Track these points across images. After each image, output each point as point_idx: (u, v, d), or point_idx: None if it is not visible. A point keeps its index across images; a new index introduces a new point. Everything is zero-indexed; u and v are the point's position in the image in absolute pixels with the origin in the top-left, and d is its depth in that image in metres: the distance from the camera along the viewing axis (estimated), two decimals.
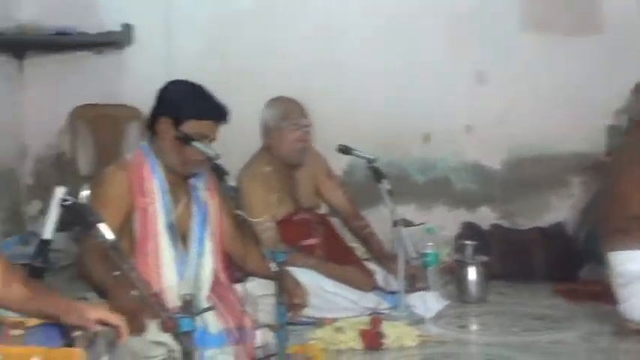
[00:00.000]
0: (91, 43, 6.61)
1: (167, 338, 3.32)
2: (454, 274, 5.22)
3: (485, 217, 6.28)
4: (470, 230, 5.95)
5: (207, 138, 3.87)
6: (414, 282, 4.93)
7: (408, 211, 5.81)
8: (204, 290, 3.92)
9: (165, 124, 3.88)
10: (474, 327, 4.76)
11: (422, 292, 4.91)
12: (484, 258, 5.20)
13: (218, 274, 4.01)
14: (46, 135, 6.76)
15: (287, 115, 4.93)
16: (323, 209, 5.25)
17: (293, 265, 4.31)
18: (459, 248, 5.45)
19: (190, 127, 3.84)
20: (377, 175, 4.79)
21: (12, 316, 2.74)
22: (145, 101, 4.10)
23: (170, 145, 3.87)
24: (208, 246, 3.98)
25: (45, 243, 2.61)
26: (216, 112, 3.91)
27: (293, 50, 6.32)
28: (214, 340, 3.76)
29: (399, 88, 6.26)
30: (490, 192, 6.36)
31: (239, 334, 3.79)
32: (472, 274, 5.11)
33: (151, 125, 3.96)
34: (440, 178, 6.42)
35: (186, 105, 3.88)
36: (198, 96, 3.94)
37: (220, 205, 4.08)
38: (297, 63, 6.27)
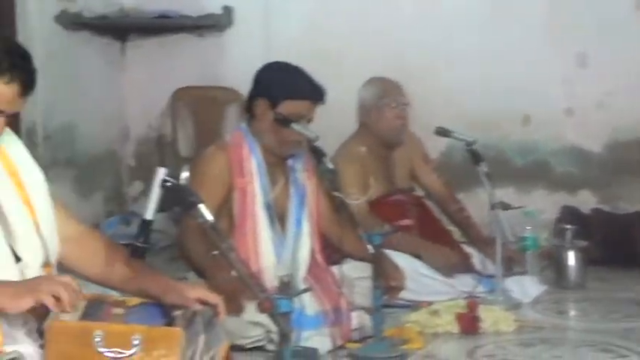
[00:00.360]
0: (191, 26, 6.68)
1: (264, 319, 3.36)
2: (553, 258, 5.16)
3: (586, 200, 6.18)
4: (569, 214, 5.85)
5: (304, 118, 3.89)
6: (512, 266, 4.88)
7: (506, 194, 5.74)
8: (302, 271, 3.95)
9: (262, 106, 3.92)
10: (572, 313, 4.70)
11: (519, 277, 4.86)
12: (584, 243, 5.12)
13: (315, 255, 4.04)
14: (147, 117, 6.87)
15: (385, 93, 4.92)
16: (419, 191, 5.24)
17: (390, 246, 4.30)
18: (558, 232, 5.37)
19: (287, 107, 3.87)
20: (475, 157, 4.74)
21: (114, 295, 2.80)
22: (244, 83, 4.14)
23: (268, 127, 3.91)
24: (306, 227, 4.01)
25: (146, 223, 2.65)
26: (312, 92, 3.93)
27: (390, 32, 6.28)
28: (311, 321, 3.79)
29: (497, 69, 6.18)
30: (590, 175, 6.26)
31: (335, 316, 3.81)
32: (571, 259, 5.04)
33: (248, 107, 4.00)
34: (539, 161, 6.34)
35: (282, 85, 3.91)
36: (294, 76, 3.96)
37: (317, 186, 4.10)
38: (393, 44, 6.24)
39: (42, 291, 2.39)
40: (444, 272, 4.66)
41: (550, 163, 6.32)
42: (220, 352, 2.43)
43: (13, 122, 2.65)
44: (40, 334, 2.51)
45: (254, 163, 3.93)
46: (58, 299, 2.37)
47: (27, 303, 2.37)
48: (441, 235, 5.00)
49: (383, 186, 4.91)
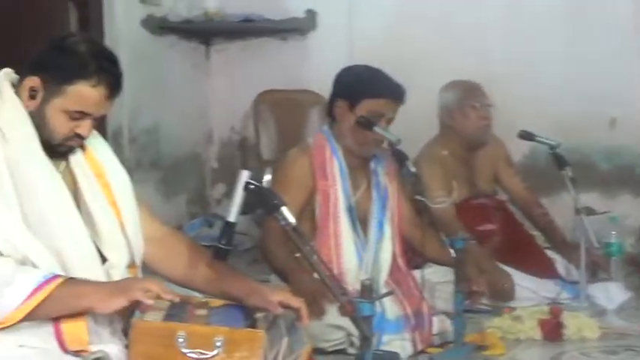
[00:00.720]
0: (274, 30, 6.72)
1: (346, 322, 3.36)
2: (638, 264, 5.07)
3: None
4: None
5: (384, 117, 3.89)
6: (596, 272, 4.81)
7: (590, 199, 5.67)
8: (383, 275, 3.94)
9: (341, 108, 3.93)
10: None
11: (604, 283, 4.78)
12: None
13: (396, 259, 4.02)
14: (230, 120, 6.93)
15: (468, 94, 4.87)
16: (502, 195, 5.19)
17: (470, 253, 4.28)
18: None
19: (366, 106, 3.87)
20: (559, 161, 4.67)
21: (197, 297, 2.83)
22: (326, 86, 4.15)
23: (349, 129, 3.91)
24: (387, 231, 4.00)
25: (230, 225, 2.67)
26: (391, 90, 3.92)
27: (472, 35, 6.24)
28: (391, 325, 3.77)
29: (582, 71, 6.10)
30: None
31: (416, 321, 3.79)
32: None
33: (329, 110, 4.02)
34: (625, 165, 6.24)
35: (361, 85, 3.92)
36: (372, 76, 3.97)
37: (399, 189, 4.09)
38: (476, 48, 6.20)
39: (134, 289, 2.43)
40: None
41: (636, 168, 6.22)
42: (303, 355, 2.43)
43: (100, 125, 2.70)
44: (125, 334, 2.55)
45: (336, 166, 3.94)
46: (150, 295, 2.41)
47: (119, 303, 2.42)
48: (524, 241, 4.95)
49: (466, 189, 4.86)
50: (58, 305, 2.41)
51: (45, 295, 2.38)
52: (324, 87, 4.25)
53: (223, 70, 6.90)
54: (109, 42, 5.47)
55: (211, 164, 7.10)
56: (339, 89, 3.99)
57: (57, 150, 2.62)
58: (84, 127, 2.59)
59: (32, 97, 2.57)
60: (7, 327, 2.41)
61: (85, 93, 2.55)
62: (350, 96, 3.91)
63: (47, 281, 2.40)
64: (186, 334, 2.39)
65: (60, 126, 2.57)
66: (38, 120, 2.56)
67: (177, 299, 2.48)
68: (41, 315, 2.41)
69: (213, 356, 2.38)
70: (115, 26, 5.96)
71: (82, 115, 2.57)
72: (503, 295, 4.40)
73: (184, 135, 6.76)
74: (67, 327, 2.44)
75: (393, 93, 3.93)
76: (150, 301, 2.41)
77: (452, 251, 3.69)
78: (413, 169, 3.79)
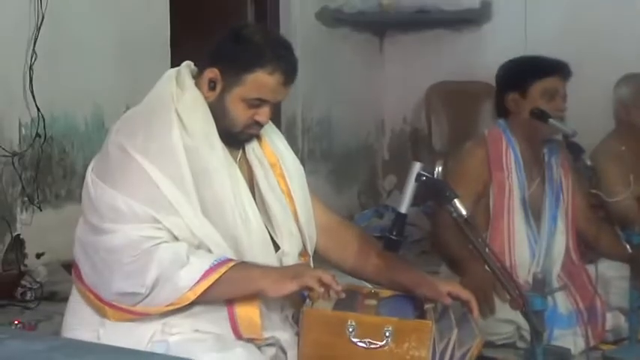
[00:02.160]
0: (449, 21, 6.69)
1: (516, 316, 3.33)
2: None
3: None
4: None
5: (559, 94, 3.84)
6: None
7: None
8: (556, 269, 3.88)
9: (513, 100, 3.90)
10: None
11: None
12: None
13: (570, 253, 3.96)
14: (402, 111, 6.94)
15: None
16: None
17: None
18: None
19: (537, 89, 3.84)
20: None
21: (367, 286, 2.85)
22: None
23: (524, 121, 3.88)
24: (560, 225, 3.94)
25: (401, 217, 2.68)
26: (555, 66, 3.89)
27: None
28: (563, 320, 3.72)
29: None
30: None
31: (589, 316, 3.72)
32: None
33: (500, 104, 3.99)
34: None
35: (526, 70, 3.91)
36: (533, 59, 4.00)
37: (574, 183, 4.02)
38: None
39: (305, 275, 2.47)
40: None
41: None
42: (474, 347, 2.42)
43: (274, 114, 2.75)
44: (296, 321, 2.59)
45: (512, 158, 3.91)
46: (321, 284, 2.44)
47: (290, 288, 2.46)
48: None
49: None
50: (229, 287, 2.47)
51: (217, 277, 2.44)
52: None
53: (396, 62, 6.92)
54: (283, 33, 5.56)
55: (383, 155, 7.13)
56: (507, 82, 3.97)
57: (237, 138, 2.69)
58: (262, 114, 2.65)
59: (212, 88, 2.64)
60: (184, 312, 2.49)
61: (262, 80, 2.60)
62: (519, 85, 3.89)
63: (220, 264, 2.46)
64: (355, 324, 2.42)
65: (240, 114, 2.63)
66: (218, 110, 2.63)
67: (343, 295, 2.49)
68: (213, 296, 2.47)
69: (381, 346, 2.39)
70: (290, 18, 6.06)
71: (260, 102, 2.63)
72: None
73: (356, 126, 6.81)
74: (241, 312, 2.50)
75: (559, 69, 3.89)
76: (321, 289, 2.44)
77: (628, 246, 3.61)
78: (589, 163, 3.72)
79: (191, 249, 2.48)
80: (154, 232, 2.47)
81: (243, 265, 2.51)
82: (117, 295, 2.49)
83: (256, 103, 2.62)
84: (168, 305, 2.46)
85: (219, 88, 2.63)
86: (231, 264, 2.47)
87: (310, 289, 2.44)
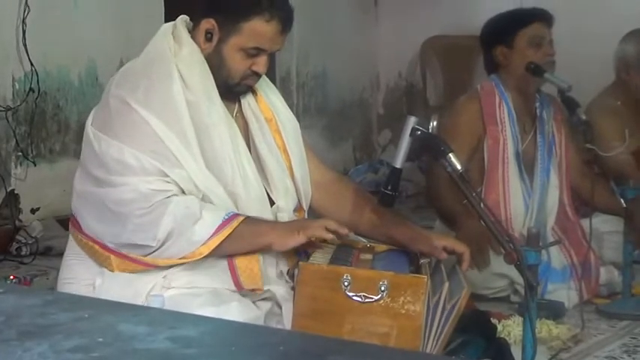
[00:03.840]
0: None
1: (510, 270, 3.34)
2: None
3: None
4: None
5: (545, 39, 3.86)
6: None
7: None
8: (550, 222, 3.89)
9: (502, 54, 3.92)
10: None
11: None
12: None
13: (564, 207, 3.97)
14: (397, 66, 6.92)
15: None
16: None
17: None
18: None
19: (522, 38, 3.87)
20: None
21: (362, 241, 2.85)
22: None
23: (515, 74, 3.88)
24: (554, 178, 3.95)
25: (396, 171, 2.67)
26: (537, 14, 3.93)
27: None
28: (557, 274, 3.74)
29: None
30: None
31: (583, 270, 3.73)
32: None
33: (490, 59, 4.00)
34: None
35: (508, 22, 3.95)
36: (514, 11, 4.07)
37: (567, 137, 4.02)
38: None
39: (312, 227, 2.49)
40: None
41: None
42: (462, 299, 2.43)
43: (269, 70, 2.74)
44: (291, 276, 2.60)
45: (505, 112, 3.91)
46: (328, 231, 2.48)
47: (298, 240, 2.49)
48: None
49: (637, 140, 4.71)
50: (240, 242, 2.49)
51: (230, 231, 2.46)
52: None
53: (391, 16, 6.88)
54: None
55: (377, 110, 7.12)
56: (492, 37, 4.01)
57: (234, 90, 2.68)
58: (260, 63, 2.64)
59: (208, 39, 2.63)
60: (185, 264, 2.49)
61: (259, 28, 2.59)
62: (504, 37, 3.91)
63: (230, 218, 2.48)
64: (351, 278, 2.42)
65: (237, 64, 2.63)
66: (216, 61, 2.63)
67: (348, 234, 2.50)
68: (225, 251, 2.49)
69: (377, 300, 2.40)
70: None
71: (257, 51, 2.62)
72: None
73: (351, 81, 6.80)
74: (241, 264, 2.51)
75: (540, 15, 3.93)
76: (329, 235, 2.47)
77: (622, 201, 3.61)
78: (584, 117, 3.72)
79: (202, 203, 2.50)
80: (163, 185, 2.48)
81: (251, 219, 2.53)
82: (126, 247, 2.50)
83: (254, 53, 2.61)
84: (181, 258, 2.48)
85: (215, 39, 2.62)
86: (240, 218, 2.49)
87: (316, 240, 2.47)
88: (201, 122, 2.56)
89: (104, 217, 2.53)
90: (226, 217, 2.48)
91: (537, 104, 3.97)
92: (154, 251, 2.47)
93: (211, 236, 2.46)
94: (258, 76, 2.67)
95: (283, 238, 2.50)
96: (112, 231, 2.52)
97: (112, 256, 2.52)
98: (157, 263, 2.49)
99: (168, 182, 2.48)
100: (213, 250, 2.47)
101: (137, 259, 2.50)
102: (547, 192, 3.93)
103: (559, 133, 4.01)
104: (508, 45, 3.90)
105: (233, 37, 2.61)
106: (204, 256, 2.47)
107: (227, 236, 2.46)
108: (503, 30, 3.94)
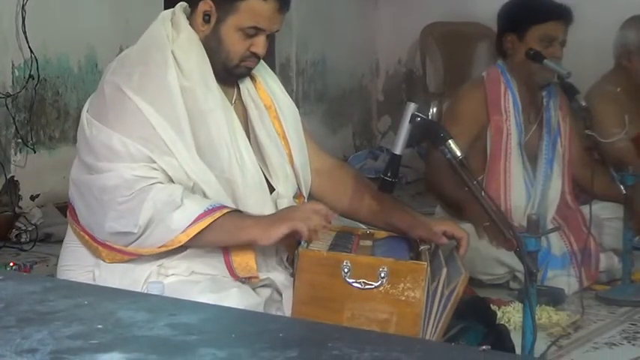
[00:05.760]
0: None
1: (509, 258, 3.35)
2: None
3: None
4: None
5: (556, 40, 3.82)
6: None
7: None
8: (551, 213, 3.89)
9: (511, 42, 3.88)
10: None
11: None
12: None
13: (565, 196, 3.97)
14: (396, 52, 6.91)
15: None
16: None
17: None
18: None
19: (534, 34, 3.81)
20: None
21: (362, 228, 2.85)
22: (495, 19, 4.08)
23: (520, 63, 3.86)
24: (556, 169, 3.94)
25: (396, 158, 2.67)
26: (555, 11, 3.85)
27: None
28: (557, 261, 3.74)
29: None
30: None
31: (582, 257, 3.74)
32: None
33: (499, 45, 3.97)
34: None
35: (524, 13, 3.87)
36: (534, 2, 3.93)
37: (571, 128, 4.02)
38: None
39: (294, 218, 2.46)
40: None
41: None
42: (460, 284, 2.43)
43: (268, 56, 2.73)
44: (291, 263, 2.60)
45: (510, 101, 3.89)
46: (309, 229, 2.44)
47: (280, 232, 2.44)
48: None
49: (637, 127, 4.71)
50: (220, 234, 2.46)
51: (209, 222, 2.42)
52: (492, 19, 4.18)
53: (391, 3, 6.87)
54: None
55: (377, 97, 7.12)
56: (505, 23, 3.94)
57: (233, 73, 2.67)
58: (258, 44, 2.62)
59: (206, 21, 2.62)
60: (179, 253, 2.49)
61: (257, 7, 2.58)
62: (516, 27, 3.86)
63: (214, 209, 2.45)
64: (350, 264, 2.42)
65: (236, 45, 2.61)
66: (214, 43, 2.61)
67: (331, 233, 2.48)
68: (204, 242, 2.46)
69: (376, 287, 2.40)
70: None
71: (256, 30, 2.60)
72: None
73: (351, 67, 6.79)
74: (237, 257, 2.50)
75: (559, 13, 3.85)
76: (305, 232, 2.43)
77: (622, 187, 3.61)
78: (583, 103, 3.71)
79: (186, 192, 2.47)
80: (148, 171, 2.46)
81: (237, 213, 2.50)
82: (110, 235, 2.49)
83: (252, 33, 2.60)
84: (160, 247, 2.46)
85: (213, 19, 2.61)
86: (225, 210, 2.46)
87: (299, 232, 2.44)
88: (196, 109, 2.54)
89: (91, 207, 2.52)
90: (209, 208, 2.45)
91: (544, 94, 3.96)
92: (136, 239, 2.45)
93: (190, 224, 2.42)
94: (257, 57, 2.65)
95: (266, 233, 2.44)
96: (97, 220, 2.51)
97: (100, 247, 2.52)
98: (140, 252, 2.48)
99: (154, 169, 2.46)
100: (193, 238, 2.43)
101: (121, 250, 2.49)
102: (550, 183, 3.93)
103: (564, 123, 4.01)
104: (519, 36, 3.86)
105: (230, 16, 2.59)
106: (184, 245, 2.45)
107: (207, 226, 2.42)
108: (517, 19, 3.88)
